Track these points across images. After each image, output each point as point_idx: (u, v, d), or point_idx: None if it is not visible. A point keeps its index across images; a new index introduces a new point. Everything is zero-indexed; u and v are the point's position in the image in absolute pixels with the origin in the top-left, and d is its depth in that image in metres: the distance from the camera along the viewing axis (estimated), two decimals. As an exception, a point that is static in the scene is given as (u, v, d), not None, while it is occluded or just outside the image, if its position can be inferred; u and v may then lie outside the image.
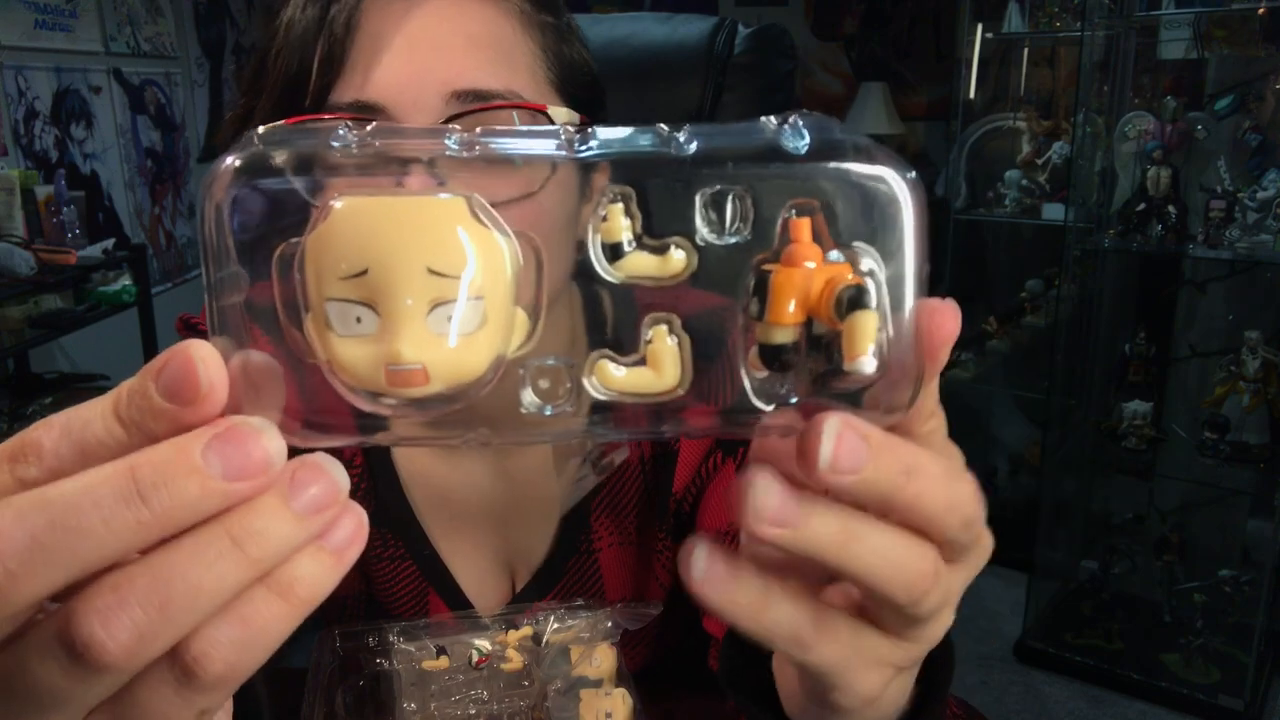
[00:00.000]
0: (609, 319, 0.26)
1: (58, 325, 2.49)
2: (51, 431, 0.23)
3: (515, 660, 0.60)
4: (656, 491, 0.65)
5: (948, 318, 0.25)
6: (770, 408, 0.25)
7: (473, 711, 0.58)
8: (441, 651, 0.60)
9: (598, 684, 0.57)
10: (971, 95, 2.62)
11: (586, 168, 0.32)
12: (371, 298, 0.23)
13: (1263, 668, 1.99)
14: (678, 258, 0.25)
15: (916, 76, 5.07)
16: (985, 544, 0.29)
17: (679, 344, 0.25)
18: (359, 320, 0.23)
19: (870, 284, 0.24)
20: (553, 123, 0.51)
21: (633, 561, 0.68)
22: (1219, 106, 2.01)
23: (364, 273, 0.23)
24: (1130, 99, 2.14)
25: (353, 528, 0.24)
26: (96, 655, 0.21)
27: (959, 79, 2.59)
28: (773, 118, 0.25)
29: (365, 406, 0.24)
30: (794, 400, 0.25)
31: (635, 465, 0.66)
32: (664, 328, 0.25)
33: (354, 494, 0.41)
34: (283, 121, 0.50)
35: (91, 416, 0.23)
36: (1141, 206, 1.98)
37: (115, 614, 0.21)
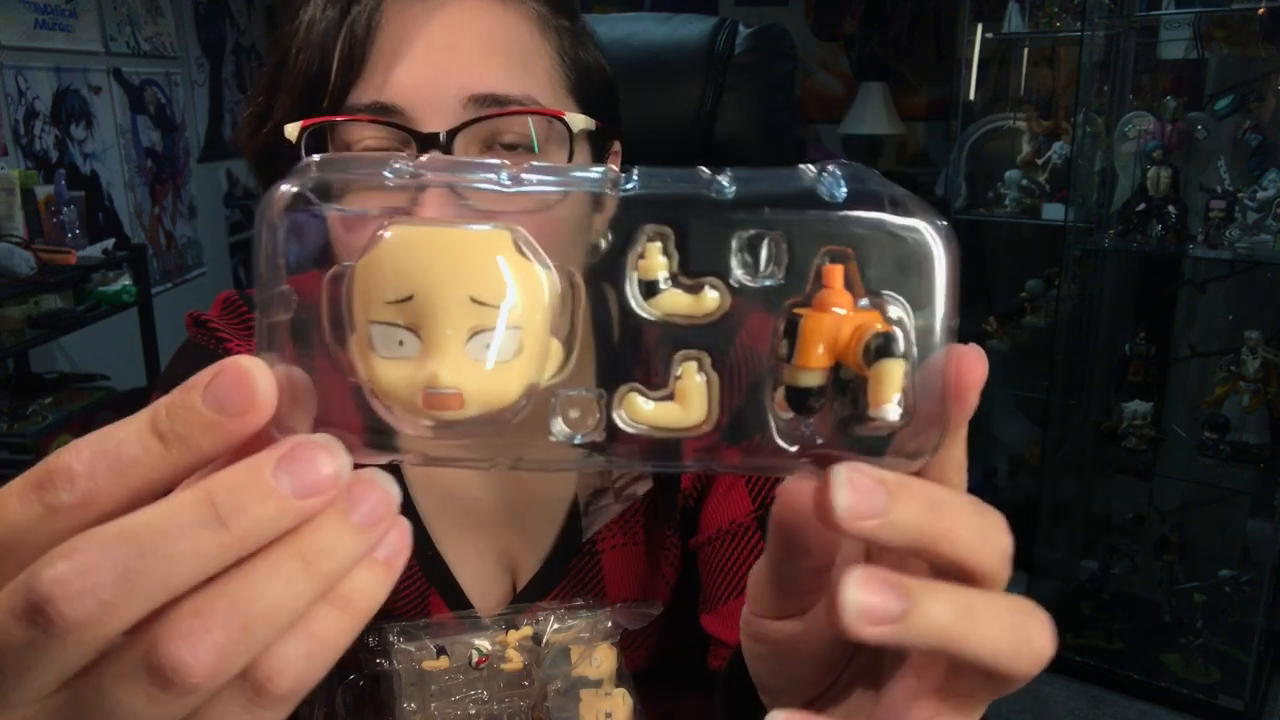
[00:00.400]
0: (642, 353, 0.26)
1: (58, 325, 2.49)
2: (81, 455, 0.23)
3: (515, 660, 0.60)
4: (664, 490, 0.65)
5: (975, 363, 0.25)
6: (794, 449, 0.26)
7: (473, 711, 0.58)
8: (441, 651, 0.60)
9: (598, 684, 0.57)
10: (971, 95, 2.62)
11: (599, 158, 0.34)
12: (414, 322, 0.24)
13: (1263, 668, 1.99)
14: (711, 297, 0.25)
15: (916, 76, 5.07)
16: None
17: (708, 381, 0.26)
18: (401, 343, 0.25)
19: (899, 332, 0.24)
20: (569, 128, 0.52)
21: (637, 562, 0.68)
22: (1219, 106, 2.02)
23: (409, 298, 0.24)
24: (1130, 99, 2.14)
25: (400, 538, 0.25)
26: (183, 678, 0.22)
27: (959, 79, 2.59)
28: (811, 166, 0.26)
29: (403, 428, 0.25)
30: (819, 442, 0.25)
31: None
32: (694, 365, 0.26)
33: None
34: (297, 124, 0.50)
35: (125, 436, 0.23)
36: (1141, 206, 1.98)
37: (199, 637, 0.22)
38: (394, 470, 0.47)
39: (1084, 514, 2.29)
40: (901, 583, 0.24)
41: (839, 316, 0.24)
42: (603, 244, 0.28)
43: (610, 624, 0.61)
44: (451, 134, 0.48)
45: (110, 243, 2.71)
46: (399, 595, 0.66)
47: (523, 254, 0.25)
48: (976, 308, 2.82)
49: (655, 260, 0.25)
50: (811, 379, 0.25)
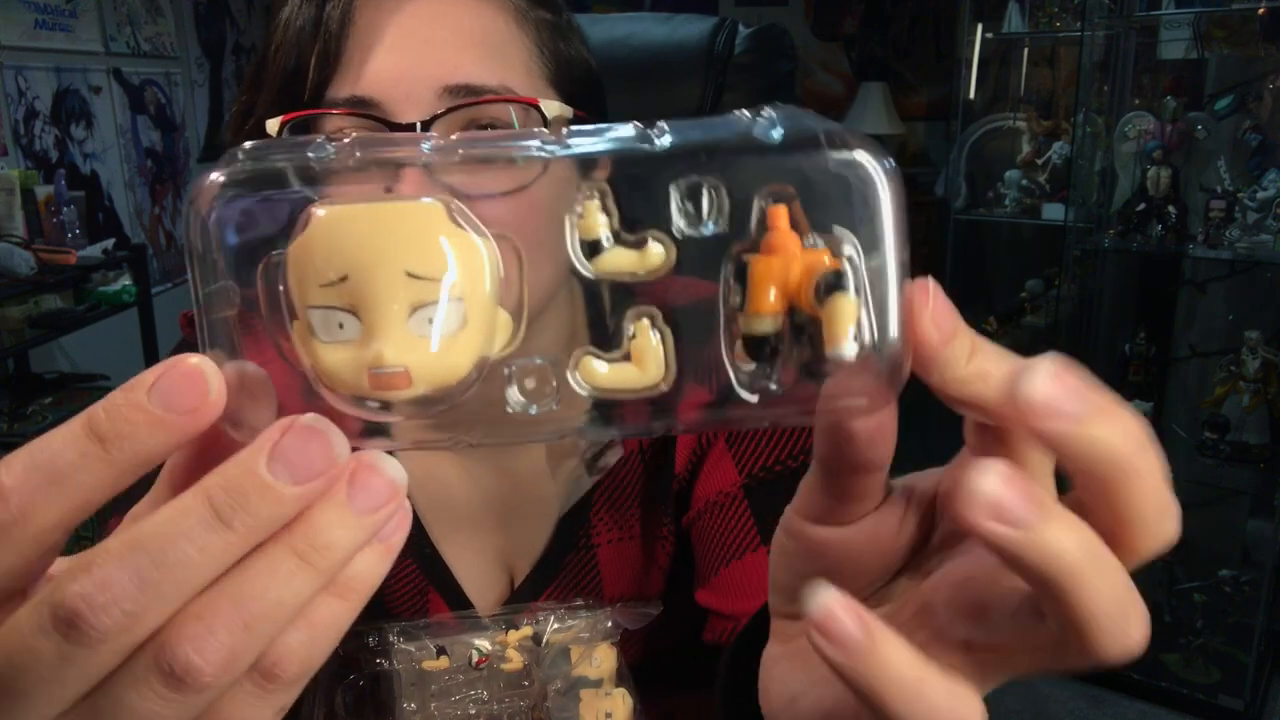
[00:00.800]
0: (599, 314, 0.26)
1: (58, 325, 2.49)
2: (13, 469, 0.23)
3: (515, 660, 0.60)
4: (658, 476, 0.66)
5: (923, 291, 0.24)
6: (755, 399, 0.25)
7: (473, 711, 0.58)
8: (441, 651, 0.60)
9: (598, 684, 0.57)
10: (971, 95, 2.62)
11: (586, 162, 0.33)
12: (353, 303, 0.24)
13: (1263, 668, 1.99)
14: (656, 252, 0.25)
15: (916, 76, 5.07)
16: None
17: (662, 338, 0.25)
18: (341, 326, 0.24)
19: (847, 268, 0.24)
20: (545, 116, 0.51)
21: (634, 554, 0.68)
22: (1219, 106, 2.02)
23: (344, 279, 0.23)
24: (1130, 99, 2.14)
25: (401, 518, 0.24)
26: (194, 679, 0.22)
27: (959, 79, 2.60)
28: (746, 110, 0.25)
29: (350, 411, 0.25)
30: (779, 389, 0.25)
31: (635, 455, 0.66)
32: (646, 322, 0.25)
33: None
34: (278, 119, 0.51)
35: (59, 444, 0.23)
36: (1141, 206, 1.98)
37: (205, 640, 0.22)
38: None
39: (1084, 514, 2.29)
40: (1041, 494, 0.23)
41: (787, 257, 0.24)
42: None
43: (610, 624, 0.61)
44: (427, 124, 0.49)
45: (110, 243, 2.71)
46: (398, 594, 0.66)
47: (459, 225, 0.24)
48: (977, 308, 2.82)
49: (594, 219, 0.25)
50: (767, 325, 0.24)
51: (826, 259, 0.24)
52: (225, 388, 0.23)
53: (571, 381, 0.25)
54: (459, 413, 0.25)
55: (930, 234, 4.70)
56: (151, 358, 2.91)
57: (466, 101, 0.49)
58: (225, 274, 0.25)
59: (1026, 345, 2.66)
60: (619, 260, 0.25)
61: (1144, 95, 2.16)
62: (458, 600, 0.67)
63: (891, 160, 0.24)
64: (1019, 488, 0.23)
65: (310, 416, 0.23)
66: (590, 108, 0.57)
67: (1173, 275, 2.24)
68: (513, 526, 0.68)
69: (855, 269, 0.24)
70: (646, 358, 0.25)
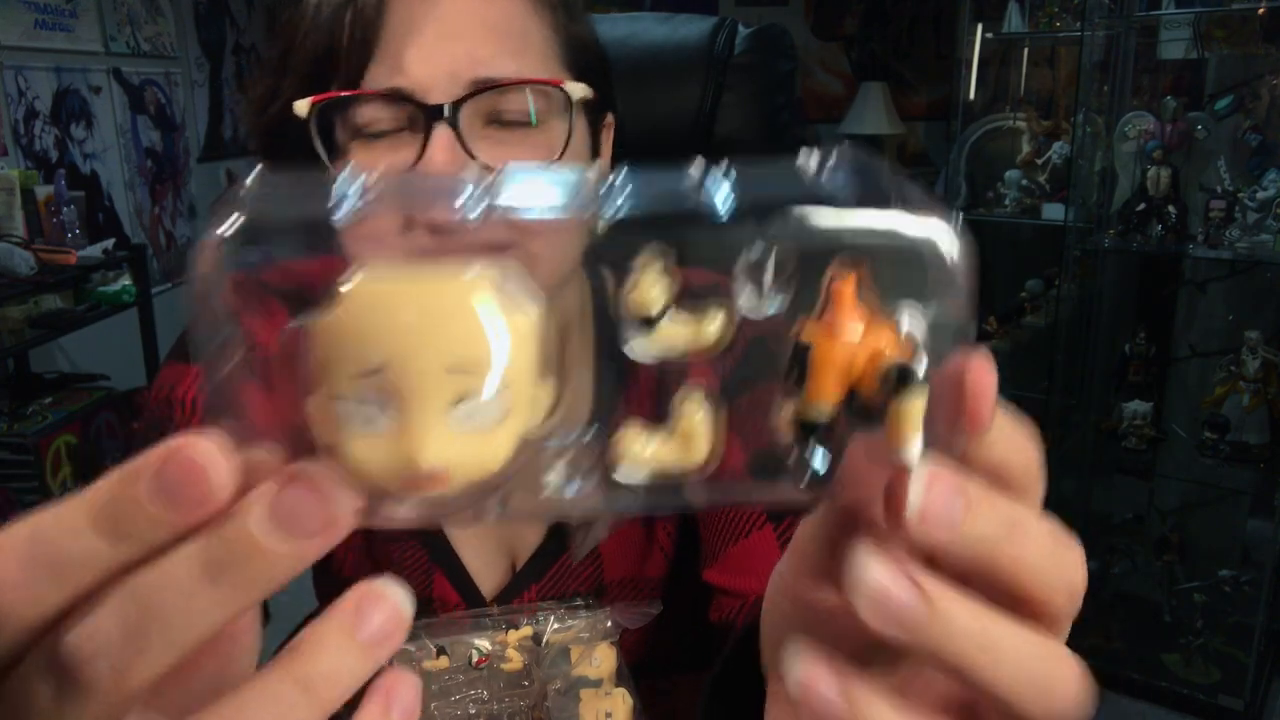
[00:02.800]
0: (638, 392, 0.24)
1: (58, 325, 2.49)
2: (9, 564, 0.22)
3: (515, 660, 0.60)
4: None
5: (985, 371, 0.24)
6: (802, 484, 0.24)
7: (473, 711, 0.58)
8: (441, 651, 0.60)
9: (598, 684, 0.57)
10: (971, 95, 2.62)
11: (595, 128, 0.33)
12: (386, 395, 0.21)
13: (1263, 668, 1.99)
14: (713, 329, 0.23)
15: (916, 76, 5.07)
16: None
17: (712, 414, 0.23)
18: (370, 419, 0.22)
19: (919, 360, 0.22)
20: (569, 97, 0.54)
21: (634, 537, 0.69)
22: (1219, 106, 2.01)
23: (379, 370, 0.21)
24: (1130, 99, 2.14)
25: (412, 695, 0.23)
26: None
27: (959, 79, 2.59)
28: (814, 158, 0.23)
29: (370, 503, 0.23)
30: (826, 477, 0.23)
31: None
32: (696, 401, 0.23)
33: None
34: (307, 101, 0.51)
35: (62, 535, 0.22)
36: (1141, 206, 1.98)
37: None
38: None
39: (1084, 514, 2.29)
40: (925, 581, 0.22)
41: (853, 345, 0.22)
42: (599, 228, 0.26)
43: (610, 624, 0.61)
44: (456, 105, 0.50)
45: (110, 243, 2.71)
46: (405, 574, 0.67)
47: (507, 295, 0.22)
48: (977, 308, 2.81)
49: (650, 293, 0.22)
50: (824, 412, 0.22)
51: (893, 348, 0.22)
52: (232, 477, 0.21)
53: (612, 466, 0.23)
54: (491, 493, 0.23)
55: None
56: (151, 358, 2.91)
57: (490, 85, 0.51)
58: (230, 333, 0.22)
59: (1026, 345, 2.67)
60: (674, 337, 0.23)
61: (1144, 95, 2.16)
62: (462, 582, 0.68)
63: (961, 222, 0.23)
64: (901, 579, 0.22)
65: (313, 469, 0.22)
66: (601, 89, 0.59)
67: (1173, 275, 2.24)
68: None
69: (923, 356, 0.22)
70: (694, 437, 0.23)
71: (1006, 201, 2.48)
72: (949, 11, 4.87)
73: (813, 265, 0.22)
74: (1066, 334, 2.19)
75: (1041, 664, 0.23)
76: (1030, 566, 0.23)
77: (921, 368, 0.22)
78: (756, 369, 0.23)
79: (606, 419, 0.23)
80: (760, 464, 0.23)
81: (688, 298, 0.23)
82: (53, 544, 0.22)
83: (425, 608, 0.68)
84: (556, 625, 0.61)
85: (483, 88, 0.51)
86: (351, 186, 0.22)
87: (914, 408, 0.22)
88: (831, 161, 0.22)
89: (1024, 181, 2.46)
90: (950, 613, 0.22)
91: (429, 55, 0.50)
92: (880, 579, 0.22)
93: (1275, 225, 1.85)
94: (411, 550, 0.67)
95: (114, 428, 2.66)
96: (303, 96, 0.51)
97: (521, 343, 0.22)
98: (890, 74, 4.98)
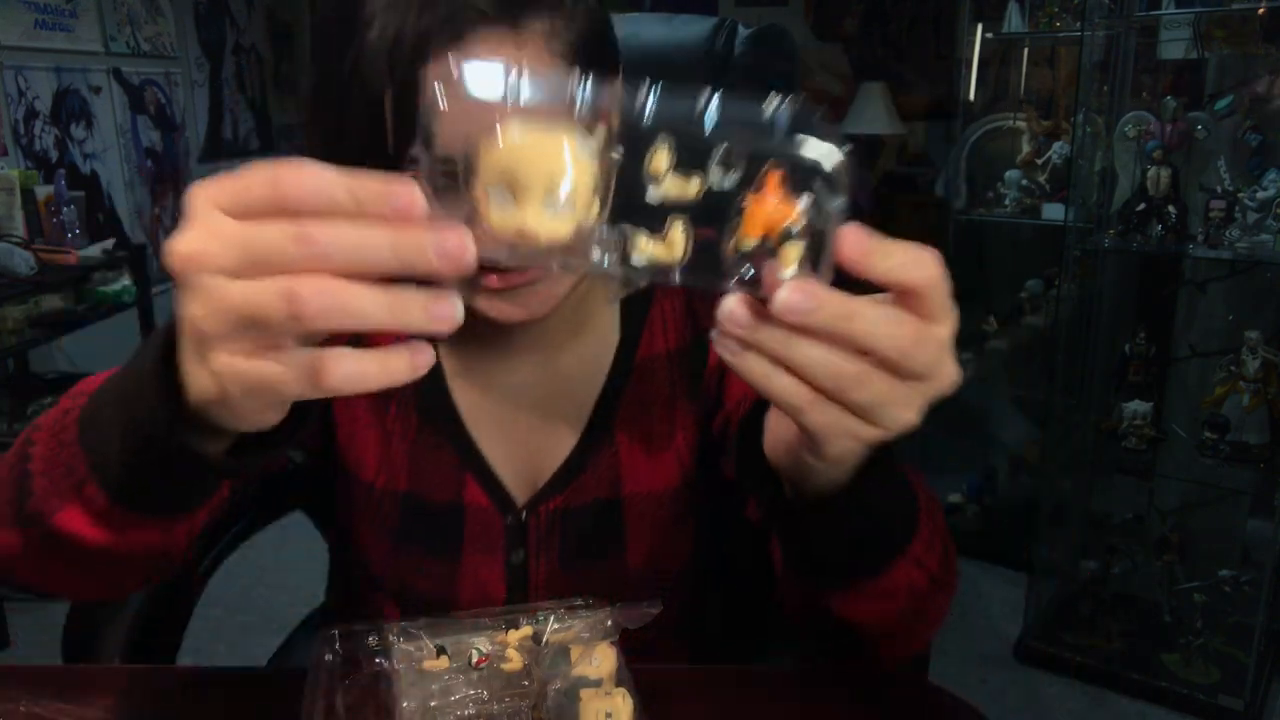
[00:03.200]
0: (650, 213, 0.38)
1: (58, 325, 2.49)
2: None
3: (515, 660, 0.60)
4: (686, 376, 0.75)
5: (851, 233, 0.37)
6: (733, 280, 0.38)
7: (473, 711, 0.58)
8: (441, 651, 0.60)
9: (598, 684, 0.57)
10: (971, 95, 2.62)
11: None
12: (513, 189, 0.37)
13: (1263, 668, 1.99)
14: (694, 184, 0.38)
15: (916, 76, 5.07)
16: (945, 372, 0.40)
17: (687, 234, 0.38)
18: (503, 201, 0.37)
19: (800, 225, 0.37)
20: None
21: (656, 452, 0.75)
22: (1219, 106, 2.01)
23: (511, 175, 0.37)
24: (1130, 99, 2.14)
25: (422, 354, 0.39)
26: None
27: (959, 79, 2.59)
28: (773, 100, 0.39)
29: (495, 253, 0.38)
30: (750, 276, 0.38)
31: (662, 358, 0.75)
32: (679, 223, 0.38)
33: (403, 390, 0.65)
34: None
35: (332, 183, 0.35)
36: (1141, 206, 1.98)
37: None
38: (435, 368, 0.58)
39: (1084, 514, 2.29)
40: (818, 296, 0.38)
41: (769, 210, 0.37)
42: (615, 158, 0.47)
43: (610, 624, 0.61)
44: None
45: (110, 243, 2.71)
46: (437, 480, 0.74)
47: (580, 143, 0.37)
48: (977, 308, 2.81)
49: (662, 160, 0.38)
50: (750, 245, 0.38)
51: (793, 216, 0.37)
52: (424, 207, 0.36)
53: (629, 249, 0.38)
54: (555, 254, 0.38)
55: (930, 234, 4.70)
56: (151, 358, 2.91)
57: None
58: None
59: (1026, 345, 2.66)
60: (672, 186, 0.38)
61: (1144, 95, 2.16)
62: (492, 485, 0.74)
63: (849, 149, 0.38)
64: (802, 288, 0.38)
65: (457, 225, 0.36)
66: (608, 55, 0.64)
67: (1173, 275, 2.24)
68: (546, 423, 0.74)
69: (809, 224, 0.37)
70: (675, 243, 0.38)
71: (1006, 201, 2.48)
72: (949, 11, 4.87)
73: (758, 163, 0.38)
74: (1066, 334, 2.19)
75: (899, 329, 0.38)
76: (867, 339, 0.38)
77: (801, 230, 0.37)
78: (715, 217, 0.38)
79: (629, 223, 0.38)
80: (709, 265, 0.38)
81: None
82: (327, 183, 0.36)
83: (459, 516, 0.73)
84: (556, 625, 0.61)
85: None
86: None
87: (792, 250, 0.38)
88: (783, 106, 0.39)
89: (1024, 181, 2.46)
90: (822, 295, 0.37)
91: (465, 136, 0.55)
92: (786, 289, 0.37)
93: (1275, 225, 1.85)
94: (446, 456, 0.73)
95: (114, 428, 2.66)
96: (362, 160, 0.57)
97: (583, 169, 0.37)
98: (890, 74, 4.98)
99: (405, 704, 0.58)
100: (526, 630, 0.61)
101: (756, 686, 0.68)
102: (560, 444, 0.74)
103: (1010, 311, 2.63)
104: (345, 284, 0.35)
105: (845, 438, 0.41)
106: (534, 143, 0.37)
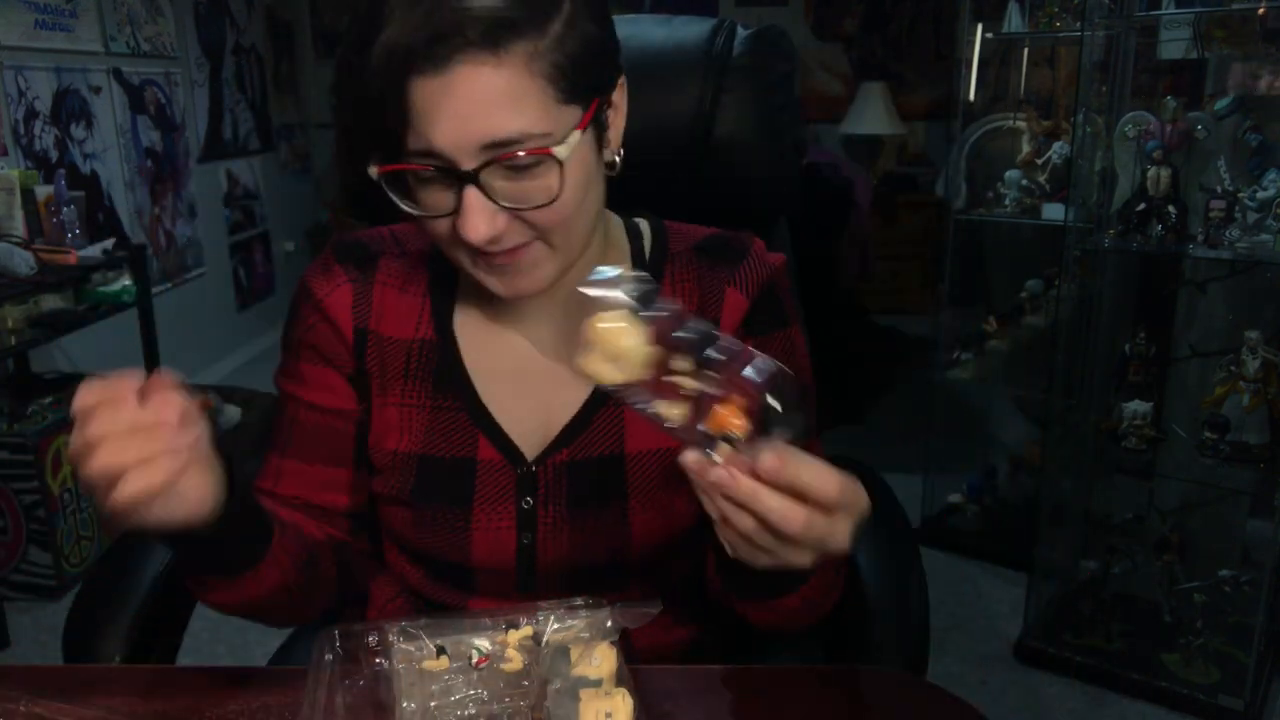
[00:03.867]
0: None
1: (58, 325, 2.49)
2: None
3: (515, 660, 0.60)
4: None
5: (771, 459, 0.54)
6: (696, 444, 0.57)
7: (473, 711, 0.58)
8: (441, 651, 0.60)
9: (598, 684, 0.57)
10: (971, 95, 2.62)
11: (599, 127, 0.72)
12: (591, 345, 0.58)
13: (1263, 668, 1.99)
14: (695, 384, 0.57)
15: (916, 76, 5.07)
16: (832, 545, 0.57)
17: (684, 410, 0.58)
18: (587, 349, 0.58)
19: (743, 437, 0.55)
20: (560, 161, 0.66)
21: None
22: (1219, 106, 2.01)
23: (591, 345, 0.58)
24: (1130, 99, 2.14)
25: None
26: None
27: (959, 79, 2.59)
28: (762, 364, 0.55)
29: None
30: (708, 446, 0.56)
31: None
32: (683, 403, 0.57)
33: (423, 360, 0.82)
34: (375, 169, 0.68)
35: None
36: (1141, 206, 1.98)
37: None
38: (449, 338, 0.83)
39: (1084, 514, 2.29)
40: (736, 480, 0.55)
41: (726, 419, 0.55)
42: (616, 160, 0.75)
43: (610, 623, 0.61)
44: (477, 171, 0.65)
45: (110, 243, 2.71)
46: (451, 438, 0.80)
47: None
48: (977, 308, 2.81)
49: (683, 365, 0.57)
50: (710, 429, 0.56)
51: (740, 429, 0.55)
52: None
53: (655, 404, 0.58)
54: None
55: (930, 234, 4.69)
56: (151, 358, 2.91)
57: (500, 154, 0.65)
58: None
59: (1026, 345, 2.66)
60: (686, 381, 0.57)
61: (1144, 95, 2.16)
62: (503, 443, 0.80)
63: (799, 418, 0.56)
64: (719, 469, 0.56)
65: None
66: (605, 84, 0.71)
67: (1173, 275, 2.24)
68: (555, 385, 0.81)
69: (751, 435, 0.55)
70: (677, 411, 0.57)
71: (1006, 201, 2.48)
72: (949, 11, 4.87)
73: (738, 385, 0.55)
74: (1066, 334, 2.19)
75: (791, 514, 0.55)
76: (768, 513, 0.55)
77: (738, 438, 0.55)
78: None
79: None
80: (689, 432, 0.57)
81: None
82: None
83: (472, 469, 0.80)
84: (556, 625, 0.61)
85: (494, 158, 0.64)
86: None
87: (726, 448, 0.55)
88: (767, 368, 0.55)
89: (1024, 181, 2.46)
90: (740, 479, 0.55)
91: (449, 132, 0.63)
92: (701, 463, 0.56)
93: (1275, 225, 1.85)
94: (459, 417, 0.81)
95: (114, 428, 2.66)
96: (375, 159, 0.67)
97: (633, 357, 0.55)
98: (890, 74, 4.98)
99: (405, 704, 0.59)
100: (526, 630, 0.61)
101: (756, 686, 0.68)
102: (567, 404, 0.81)
103: (1010, 311, 2.63)
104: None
105: (748, 555, 0.59)
106: (611, 330, 0.55)
